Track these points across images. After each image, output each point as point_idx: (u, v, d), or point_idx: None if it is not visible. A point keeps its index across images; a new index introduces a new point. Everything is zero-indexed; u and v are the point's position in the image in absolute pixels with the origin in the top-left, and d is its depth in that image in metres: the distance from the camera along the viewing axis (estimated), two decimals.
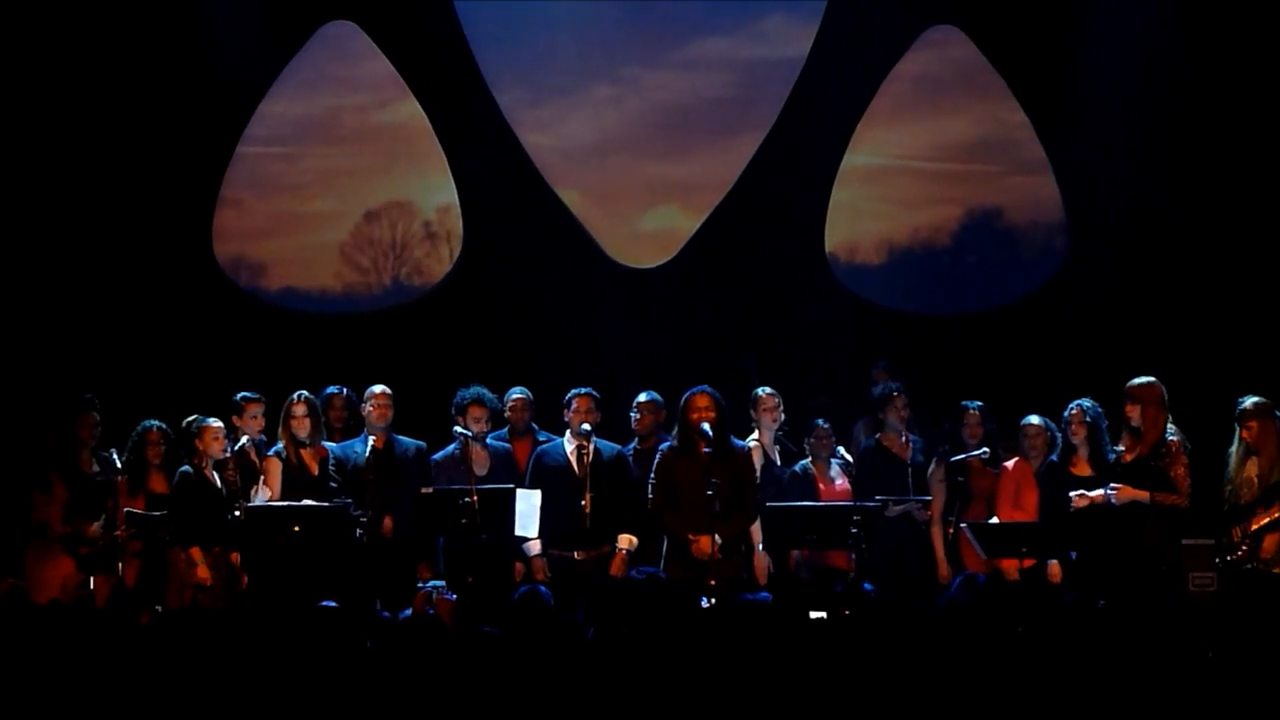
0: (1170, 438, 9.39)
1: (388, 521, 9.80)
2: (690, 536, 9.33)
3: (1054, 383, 10.93)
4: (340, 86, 12.70)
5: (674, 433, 9.66)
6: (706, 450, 9.30)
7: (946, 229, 12.67)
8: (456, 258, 12.66)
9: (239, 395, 10.00)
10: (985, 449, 9.95)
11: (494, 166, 12.62)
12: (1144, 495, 9.30)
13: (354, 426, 10.24)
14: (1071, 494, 9.47)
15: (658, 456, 9.64)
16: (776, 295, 12.51)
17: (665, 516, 9.51)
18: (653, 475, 9.59)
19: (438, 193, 12.69)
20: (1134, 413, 9.45)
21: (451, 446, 9.99)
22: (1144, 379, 9.49)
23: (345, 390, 10.40)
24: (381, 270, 12.69)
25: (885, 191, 12.71)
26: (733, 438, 9.66)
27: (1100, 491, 9.44)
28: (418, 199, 12.75)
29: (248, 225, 12.67)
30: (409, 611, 7.91)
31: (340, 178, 12.74)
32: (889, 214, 12.70)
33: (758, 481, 9.82)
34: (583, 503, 9.65)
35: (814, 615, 7.13)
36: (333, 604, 6.96)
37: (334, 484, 9.76)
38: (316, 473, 9.85)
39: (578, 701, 6.15)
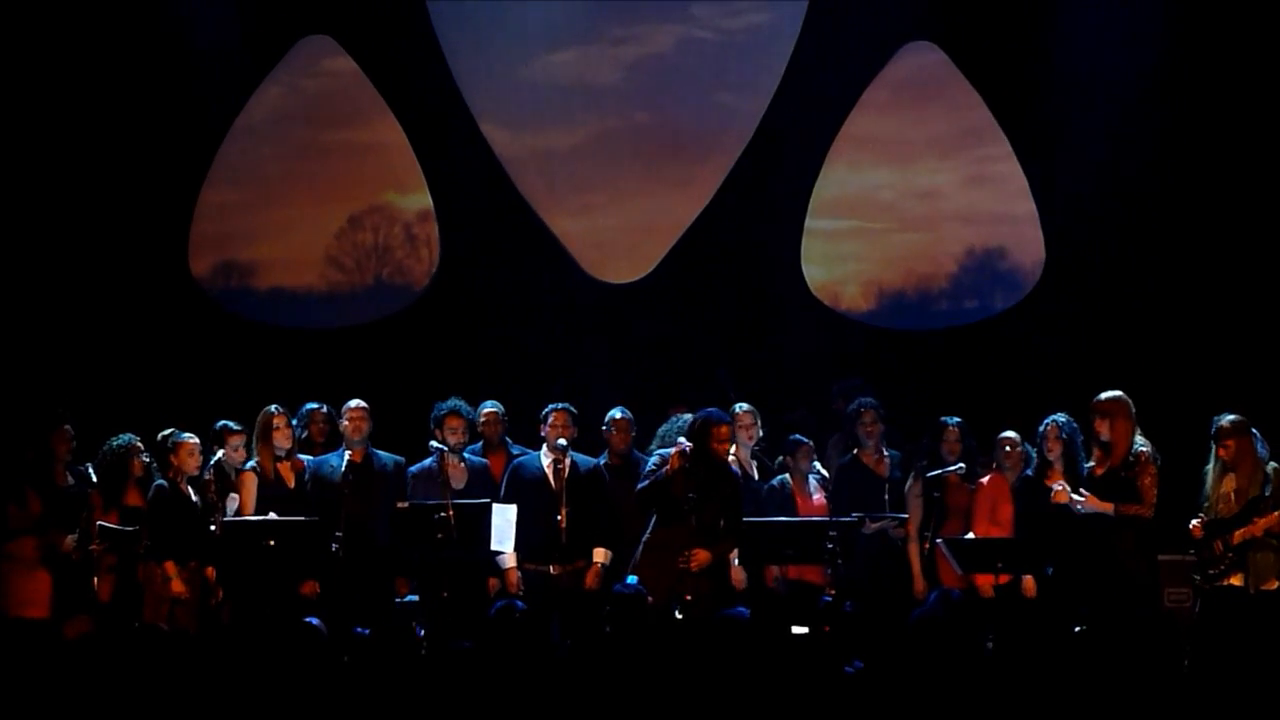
0: (1139, 449, 9.43)
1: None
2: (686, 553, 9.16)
3: (1028, 398, 10.94)
4: (317, 100, 12.74)
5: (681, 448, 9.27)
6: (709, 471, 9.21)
7: (940, 264, 12.69)
8: (434, 270, 12.69)
9: (219, 424, 9.95)
10: (961, 464, 9.96)
11: (470, 181, 12.64)
12: (1108, 507, 9.36)
13: (335, 441, 10.19)
14: (1054, 487, 9.50)
15: (667, 468, 9.18)
16: (752, 310, 12.53)
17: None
18: (653, 477, 9.23)
19: (415, 201, 12.78)
20: (1103, 427, 9.50)
21: (428, 460, 9.97)
22: (1111, 393, 9.55)
23: (325, 406, 10.37)
24: (365, 270, 12.85)
25: (859, 215, 12.73)
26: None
27: (1075, 495, 9.52)
28: (397, 205, 12.83)
29: (233, 230, 12.73)
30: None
31: (321, 187, 12.80)
32: (865, 242, 12.73)
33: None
34: (559, 517, 9.64)
35: (796, 630, 7.12)
36: (315, 621, 6.95)
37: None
38: (293, 486, 9.85)
39: (553, 716, 6.14)
